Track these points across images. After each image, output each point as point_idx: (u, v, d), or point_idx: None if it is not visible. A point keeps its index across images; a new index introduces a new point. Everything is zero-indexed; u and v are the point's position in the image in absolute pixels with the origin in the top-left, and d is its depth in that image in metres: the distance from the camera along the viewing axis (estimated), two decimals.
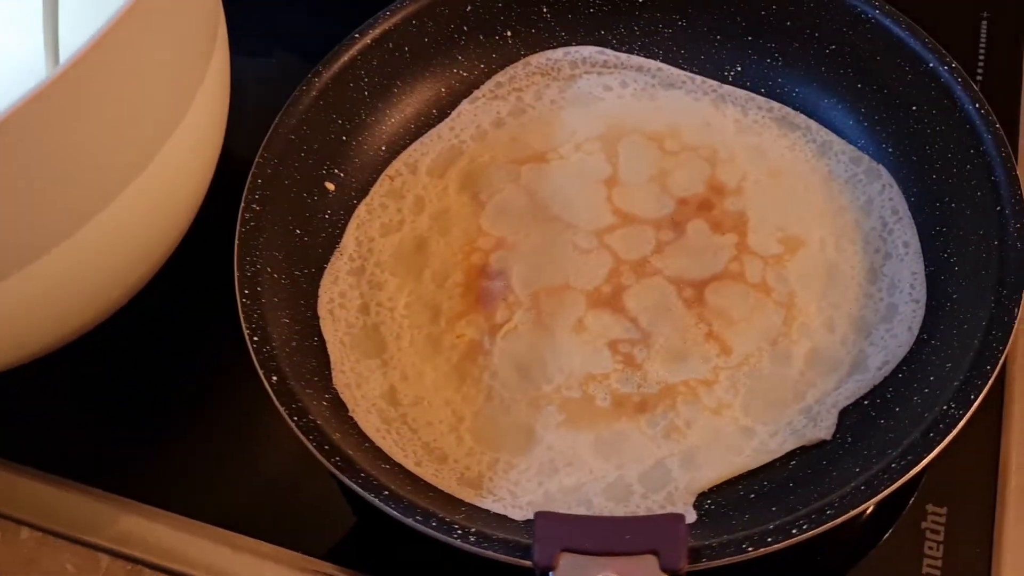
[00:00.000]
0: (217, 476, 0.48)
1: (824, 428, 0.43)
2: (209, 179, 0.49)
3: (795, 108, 0.52)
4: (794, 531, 0.37)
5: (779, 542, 0.37)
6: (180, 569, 0.44)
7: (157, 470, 0.48)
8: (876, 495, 0.38)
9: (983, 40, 0.57)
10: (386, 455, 0.43)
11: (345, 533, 0.46)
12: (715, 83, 0.54)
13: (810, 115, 0.52)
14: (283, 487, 0.47)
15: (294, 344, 0.45)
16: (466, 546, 0.37)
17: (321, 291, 0.49)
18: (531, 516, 0.39)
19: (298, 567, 0.44)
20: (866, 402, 0.44)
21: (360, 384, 0.46)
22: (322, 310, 0.48)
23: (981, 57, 0.56)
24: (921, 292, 0.46)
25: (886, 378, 0.44)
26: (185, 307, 0.53)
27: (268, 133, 0.49)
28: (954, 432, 0.38)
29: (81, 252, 0.40)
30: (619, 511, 0.42)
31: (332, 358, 0.46)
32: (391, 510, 0.38)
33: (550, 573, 0.35)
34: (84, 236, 0.40)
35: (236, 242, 0.46)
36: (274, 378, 0.42)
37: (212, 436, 0.49)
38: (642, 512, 0.42)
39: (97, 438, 0.50)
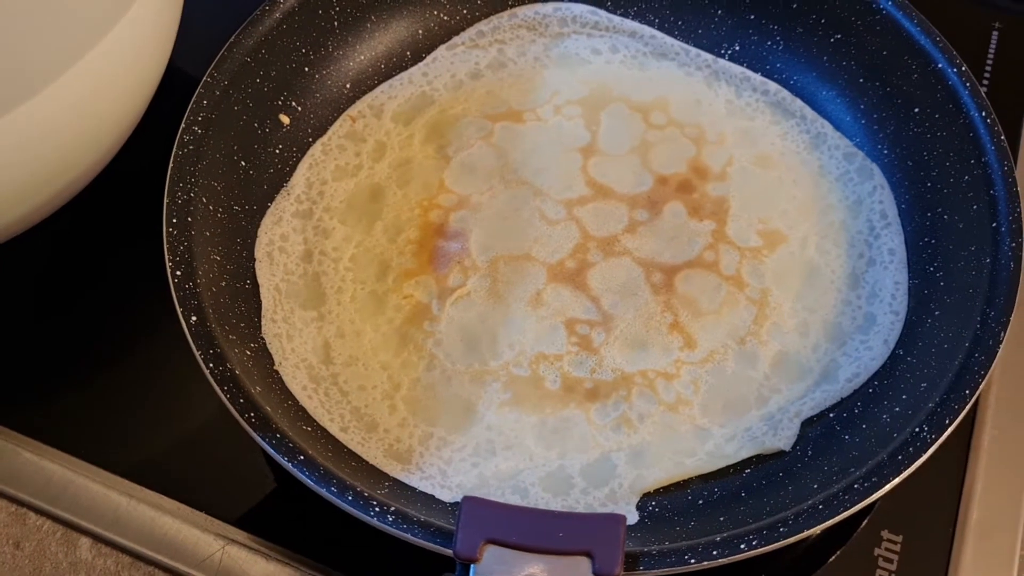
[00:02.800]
0: (126, 421, 0.44)
1: (784, 438, 0.41)
2: (163, 66, 0.45)
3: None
4: (743, 546, 0.34)
5: (725, 556, 0.34)
6: (67, 516, 0.40)
7: (56, 407, 0.44)
8: (834, 516, 0.35)
9: (992, 51, 0.54)
10: (309, 416, 0.40)
11: (261, 499, 0.42)
12: (710, 57, 0.50)
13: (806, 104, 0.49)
14: (199, 443, 0.43)
15: (223, 284, 0.41)
16: (383, 526, 0.34)
17: (261, 231, 0.45)
18: (460, 498, 0.35)
19: (200, 527, 0.40)
20: (831, 415, 0.41)
21: (292, 336, 0.42)
22: (260, 252, 0.44)
23: (988, 68, 0.53)
24: (902, 304, 0.43)
25: (855, 392, 0.41)
26: (110, 234, 0.48)
27: (221, 52, 0.45)
28: (924, 457, 0.36)
29: (25, 130, 0.36)
30: (556, 504, 0.39)
31: (264, 305, 0.43)
32: (304, 477, 0.35)
33: (472, 566, 0.32)
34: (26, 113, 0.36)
35: (170, 165, 0.42)
36: (193, 318, 0.38)
37: (124, 377, 0.45)
38: (581, 508, 0.39)
39: None
